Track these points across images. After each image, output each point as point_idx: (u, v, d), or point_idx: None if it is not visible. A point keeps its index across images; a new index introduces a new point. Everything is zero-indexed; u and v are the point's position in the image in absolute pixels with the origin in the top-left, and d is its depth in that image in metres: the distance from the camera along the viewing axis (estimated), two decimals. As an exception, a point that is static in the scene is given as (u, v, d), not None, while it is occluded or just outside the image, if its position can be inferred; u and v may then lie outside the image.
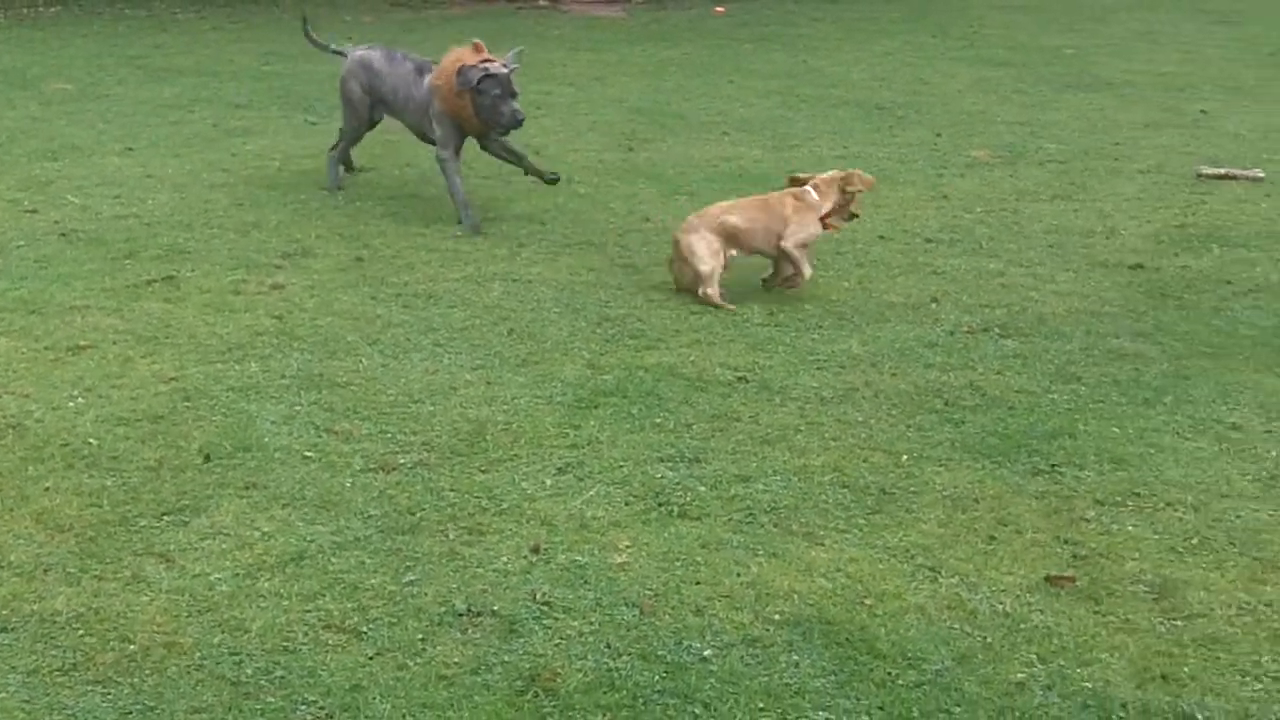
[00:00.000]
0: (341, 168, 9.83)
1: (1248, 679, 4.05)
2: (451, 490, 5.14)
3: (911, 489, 5.25)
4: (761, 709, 3.93)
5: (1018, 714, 3.90)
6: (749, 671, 4.03)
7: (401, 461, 5.39)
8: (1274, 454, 5.62)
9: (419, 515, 4.97)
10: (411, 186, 9.89)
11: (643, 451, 5.51)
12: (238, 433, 5.61)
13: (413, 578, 4.56)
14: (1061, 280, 8.12)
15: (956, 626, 4.28)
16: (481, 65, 8.48)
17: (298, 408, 5.88)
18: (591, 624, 4.26)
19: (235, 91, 13.22)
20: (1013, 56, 15.62)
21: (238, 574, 4.58)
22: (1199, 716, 3.86)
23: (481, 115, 8.59)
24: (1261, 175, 10.85)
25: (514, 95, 8.54)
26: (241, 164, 10.33)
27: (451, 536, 4.79)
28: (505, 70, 8.53)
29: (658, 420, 5.84)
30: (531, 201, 9.74)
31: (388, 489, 5.16)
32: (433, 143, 9.06)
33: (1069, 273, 8.29)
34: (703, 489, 5.19)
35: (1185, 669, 4.08)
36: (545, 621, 4.27)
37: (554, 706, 3.93)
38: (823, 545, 4.79)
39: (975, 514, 5.05)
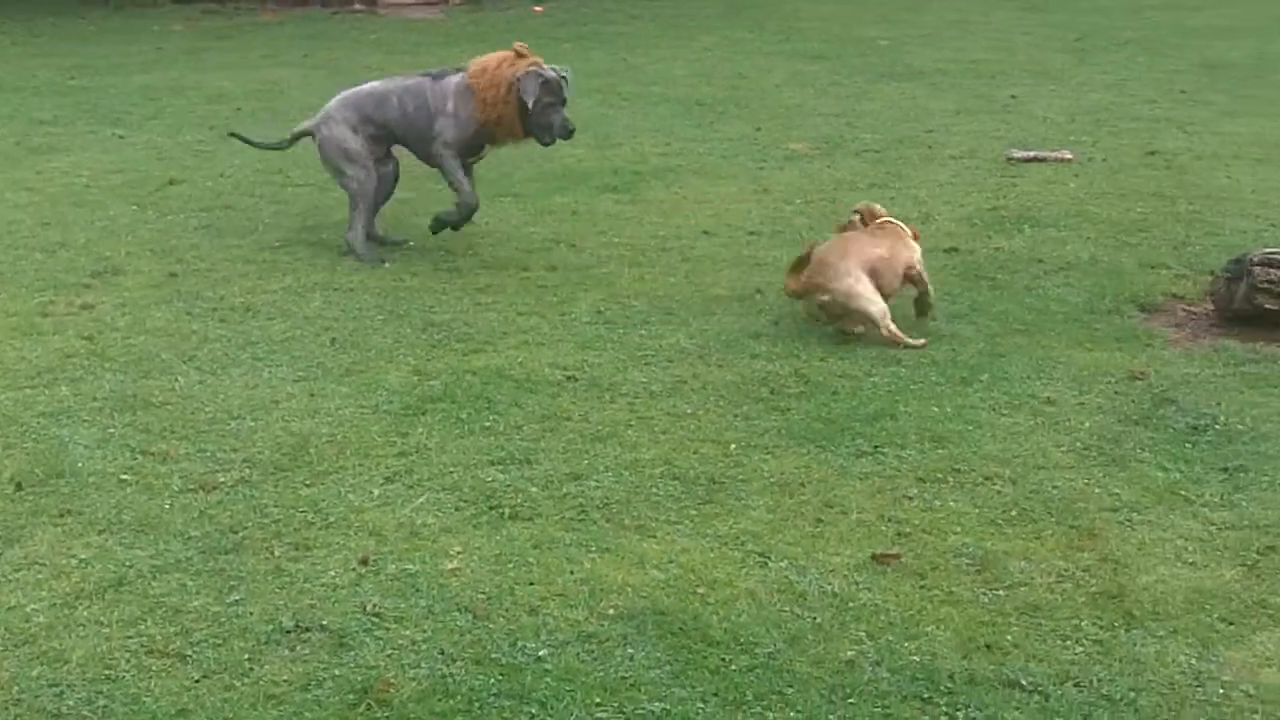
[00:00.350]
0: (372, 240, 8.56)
1: (1068, 643, 4.17)
2: (275, 506, 5.06)
3: (740, 477, 5.30)
4: (598, 704, 3.94)
5: (848, 691, 3.97)
6: (584, 668, 4.04)
7: (222, 480, 5.29)
8: (1086, 425, 5.79)
9: (242, 534, 4.88)
10: (226, 198, 9.73)
11: (472, 456, 5.49)
12: (50, 459, 5.46)
13: (237, 597, 4.48)
14: (880, 266, 8.25)
15: (787, 609, 4.34)
16: (534, 70, 7.93)
17: (112, 430, 5.73)
18: (424, 632, 4.23)
19: (39, 107, 12.88)
20: (828, 49, 15.87)
21: (55, 604, 4.46)
22: (1023, 682, 3.97)
23: (531, 123, 7.97)
24: (1069, 156, 11.17)
25: (564, 102, 8.03)
26: (47, 182, 10.07)
27: (277, 553, 4.72)
28: (556, 75, 8.01)
29: (487, 423, 5.82)
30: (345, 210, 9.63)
31: (209, 509, 5.06)
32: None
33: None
34: (534, 489, 5.19)
35: (1009, 637, 4.19)
36: (376, 633, 4.22)
37: (387, 718, 3.89)
38: (655, 538, 4.81)
39: (802, 498, 5.13)
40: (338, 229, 9.00)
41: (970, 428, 5.77)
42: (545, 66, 8.01)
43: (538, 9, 19.24)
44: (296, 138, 8.82)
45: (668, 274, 8.10)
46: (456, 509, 5.04)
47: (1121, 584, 4.49)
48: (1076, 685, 3.97)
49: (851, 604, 4.37)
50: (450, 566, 4.60)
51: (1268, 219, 9.42)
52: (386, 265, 8.22)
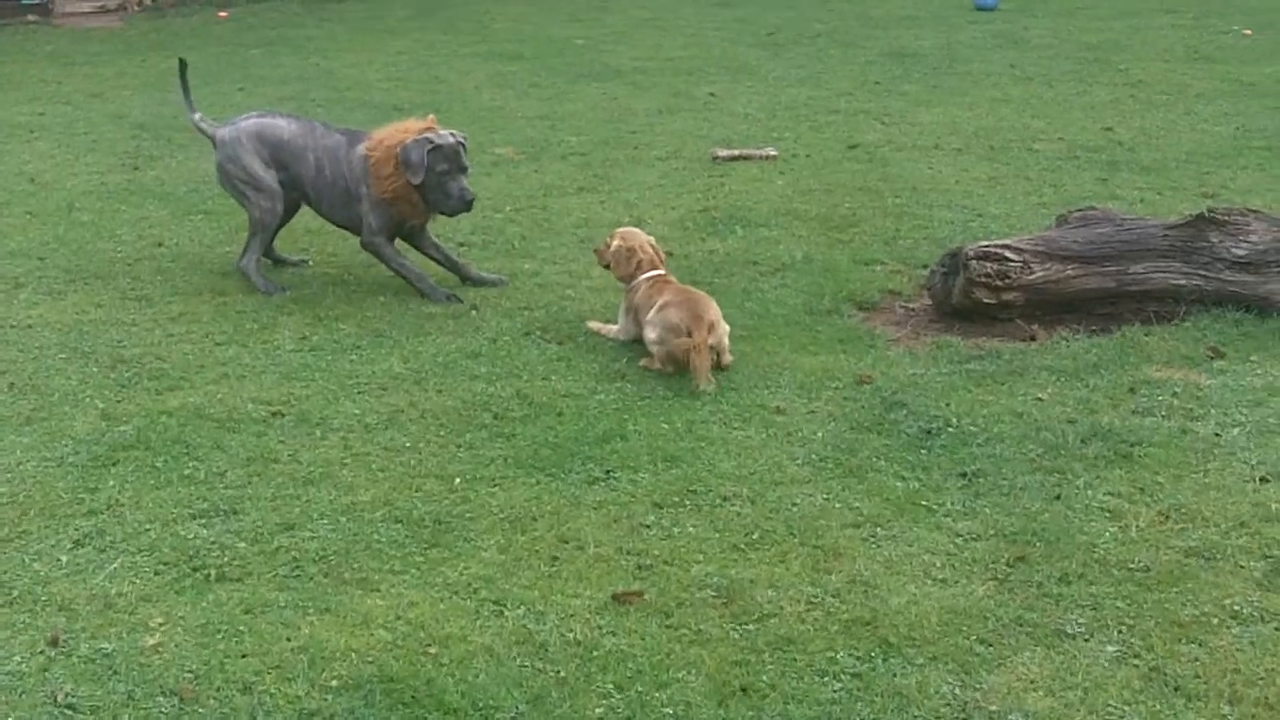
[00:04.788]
0: (266, 265, 8.01)
1: (825, 679, 3.96)
2: (-50, 583, 4.49)
3: (468, 515, 4.97)
4: (322, 795, 3.56)
5: (600, 753, 3.67)
6: None
7: (-114, 556, 4.69)
8: (819, 435, 5.65)
9: (-89, 618, 4.31)
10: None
11: (171, 509, 5.01)
12: None
13: (-94, 696, 3.93)
14: (595, 275, 8.00)
15: (527, 664, 4.03)
16: (423, 137, 7.25)
17: None
18: (125, 723, 3.76)
19: None
20: (524, 49, 15.60)
21: None
22: (782, 729, 3.74)
23: (426, 195, 7.33)
24: (774, 153, 11.15)
25: (464, 170, 7.34)
26: None
27: (-47, 640, 4.17)
28: (453, 140, 7.29)
29: (186, 471, 5.34)
30: (28, 234, 8.93)
31: None
32: (357, 231, 7.69)
33: (601, 266, 8.20)
34: (242, 545, 4.75)
35: (764, 677, 3.96)
36: (69, 728, 3.74)
37: (86, 828, 3.44)
38: (379, 591, 4.44)
39: (535, 534, 4.82)
40: (12, 259, 8.31)
41: (703, 444, 5.57)
42: (440, 132, 7.35)
43: (222, 14, 18.44)
44: (199, 129, 8.01)
45: (375, 292, 7.69)
46: (156, 573, 4.57)
47: (874, 608, 4.31)
48: (839, 728, 3.76)
49: (596, 652, 4.08)
50: (151, 642, 4.13)
51: (973, 209, 9.54)
52: (287, 293, 7.57)
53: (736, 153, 11.13)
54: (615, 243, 7.02)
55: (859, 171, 10.56)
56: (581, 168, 10.83)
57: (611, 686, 3.90)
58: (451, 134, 7.35)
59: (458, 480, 5.24)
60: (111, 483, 5.22)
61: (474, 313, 7.26)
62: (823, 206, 9.55)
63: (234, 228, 8.96)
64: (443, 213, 7.46)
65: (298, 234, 8.21)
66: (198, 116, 8.06)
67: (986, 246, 7.10)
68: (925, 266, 8.01)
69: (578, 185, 10.25)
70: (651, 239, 7.10)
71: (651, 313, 6.52)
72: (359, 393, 6.16)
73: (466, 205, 7.36)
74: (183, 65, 8.25)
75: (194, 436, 5.65)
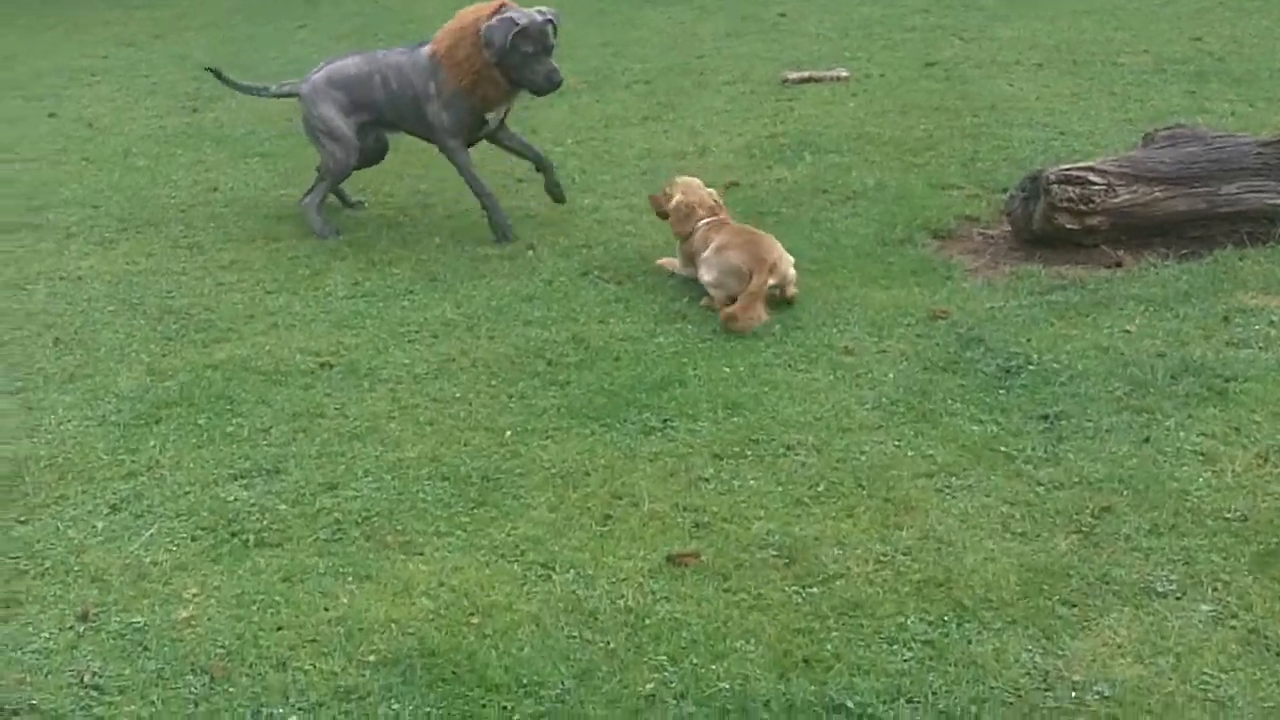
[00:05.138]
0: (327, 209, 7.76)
1: (895, 648, 3.68)
2: (-18, 553, 4.32)
3: (518, 470, 4.73)
4: (356, 781, 3.35)
5: (651, 731, 3.43)
6: None
7: (-81, 524, 4.53)
8: (890, 377, 5.35)
9: (-60, 591, 4.14)
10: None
11: (212, 470, 4.81)
12: None
13: (-69, 675, 3.76)
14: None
15: (575, 634, 3.78)
16: (507, 17, 6.88)
17: None
18: (152, 704, 3.56)
19: None
20: (590, -25, 15.22)
21: None
22: (849, 704, 3.45)
23: (510, 75, 6.96)
24: (845, 74, 10.77)
25: (548, 51, 6.96)
26: None
27: (-19, 614, 4.00)
28: (540, 20, 6.92)
29: (229, 428, 5.14)
30: (84, 181, 8.78)
31: (-99, 563, 4.31)
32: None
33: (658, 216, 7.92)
34: (283, 506, 4.54)
35: (828, 647, 3.68)
36: (95, 710, 3.55)
37: (107, 820, 3.26)
38: (422, 555, 4.21)
39: (588, 489, 4.57)
40: (66, 208, 8.16)
41: (766, 389, 5.28)
42: (519, 10, 7.00)
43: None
44: (282, 95, 7.90)
45: (431, 233, 7.46)
46: (193, 538, 4.37)
47: (947, 567, 4.02)
48: (910, 702, 3.47)
49: (648, 620, 3.82)
50: (184, 615, 3.94)
51: (1054, 127, 9.13)
52: (340, 237, 7.39)
53: (806, 75, 10.76)
54: (676, 197, 6.70)
55: (935, 91, 10.17)
56: (645, 96, 10.52)
57: (664, 658, 3.65)
58: (539, 12, 6.95)
59: (508, 433, 5.00)
60: (153, 442, 5.04)
61: (530, 253, 7.01)
62: (897, 129, 9.18)
63: (290, 170, 8.76)
64: (531, 91, 7.10)
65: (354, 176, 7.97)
66: (274, 87, 7.92)
67: (1068, 169, 6.73)
68: (1005, 191, 7.65)
69: (641, 114, 9.95)
70: (713, 191, 6.78)
71: (708, 252, 6.23)
72: (409, 341, 5.93)
73: (553, 86, 7.02)
74: (215, 73, 8.15)
75: (239, 391, 5.45)
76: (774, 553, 4.14)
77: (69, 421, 5.25)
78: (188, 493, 4.65)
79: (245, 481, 4.72)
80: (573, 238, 7.21)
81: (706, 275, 6.18)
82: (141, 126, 10.24)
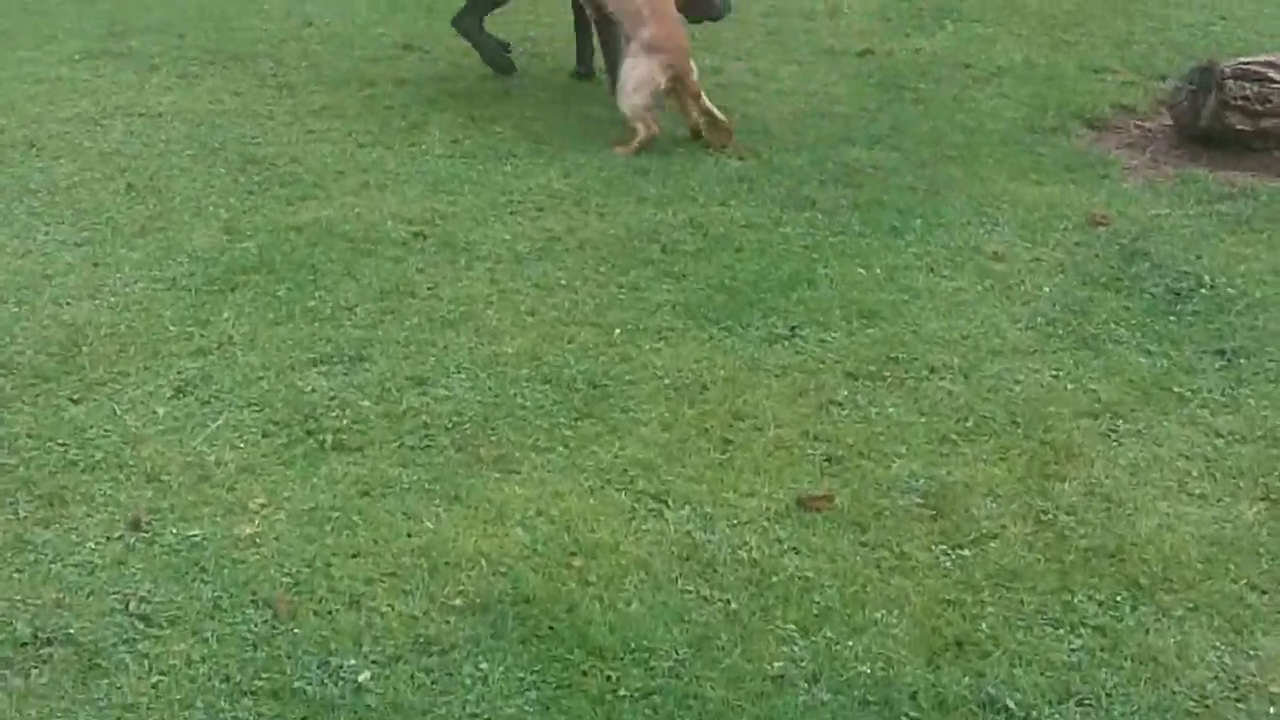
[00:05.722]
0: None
1: (1061, 633, 3.16)
2: (29, 436, 3.87)
3: (627, 377, 4.21)
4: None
5: (779, 724, 2.93)
6: (419, 703, 2.94)
7: (-38, 395, 4.10)
8: (1046, 290, 4.78)
9: (-20, 479, 3.71)
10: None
11: (290, 352, 4.34)
12: None
13: (-40, 584, 3.33)
14: (784, 76, 7.12)
15: (691, 590, 3.28)
16: None
17: None
18: (205, 643, 3.10)
19: None
20: None
21: None
22: (1009, 703, 2.94)
23: None
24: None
25: None
26: None
27: (22, 513, 3.55)
28: None
29: (311, 303, 4.66)
30: (171, 5, 8.26)
31: (-63, 442, 3.88)
32: None
33: (792, 65, 7.31)
34: (365, 403, 4.06)
35: (984, 627, 3.17)
36: (140, 646, 3.09)
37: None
38: (519, 475, 3.73)
39: (705, 407, 4.06)
40: (149, 35, 7.66)
41: (906, 297, 4.73)
42: None
43: None
44: None
45: (538, 88, 6.91)
46: (264, 434, 3.90)
47: (1118, 534, 3.48)
48: (1081, 704, 2.96)
49: (775, 578, 3.32)
50: (248, 531, 3.47)
51: (1215, 10, 8.40)
52: (513, 71, 6.99)
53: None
54: None
55: (1085, -41, 9.38)
56: (770, -56, 9.79)
57: (793, 628, 3.15)
58: None
59: (617, 331, 4.48)
60: (226, 314, 4.56)
61: (645, 118, 6.41)
62: (1044, 0, 8.47)
63: (391, 5, 8.19)
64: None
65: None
66: None
67: (1246, 64, 6.05)
68: (1163, 78, 6.98)
69: (762, -34, 9.23)
70: None
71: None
72: (511, 213, 5.40)
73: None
74: None
75: (323, 259, 4.96)
76: (918, 499, 3.61)
77: (136, 283, 4.79)
78: (261, 378, 4.18)
79: (325, 369, 4.24)
80: (691, 104, 6.60)
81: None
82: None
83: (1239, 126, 5.97)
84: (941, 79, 7.08)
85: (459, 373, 4.23)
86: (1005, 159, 5.99)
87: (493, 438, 3.88)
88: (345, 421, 3.95)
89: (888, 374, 4.24)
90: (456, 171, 5.81)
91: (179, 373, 4.21)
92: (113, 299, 4.68)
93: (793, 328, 4.51)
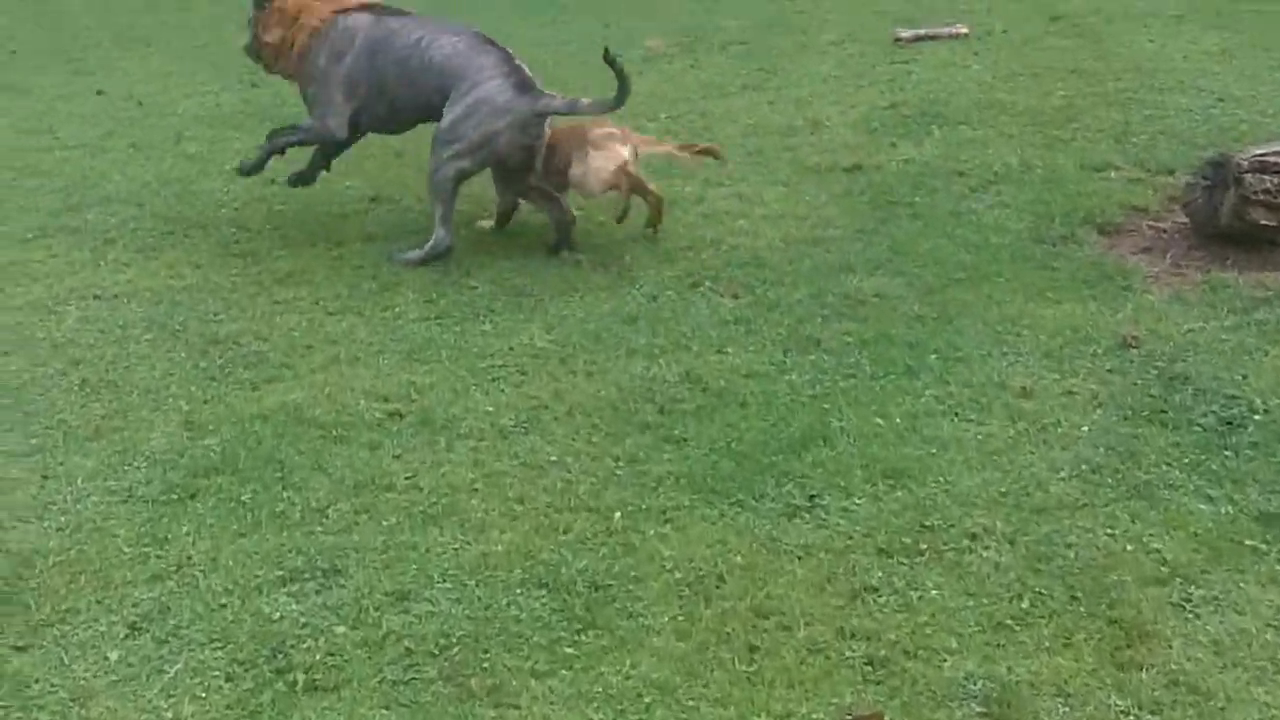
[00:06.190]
0: None
1: None
2: (-36, 699, 3.42)
3: (633, 572, 3.77)
4: None
5: None
6: None
7: (-108, 651, 3.65)
8: (1085, 430, 4.35)
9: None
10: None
11: (256, 570, 3.90)
12: None
13: None
14: (771, 199, 6.76)
15: None
16: None
17: None
18: None
19: None
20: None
21: None
22: None
23: None
24: (964, 30, 9.75)
25: None
26: None
27: (-48, 802, 3.10)
28: None
29: (279, 507, 4.22)
30: (128, 173, 7.90)
31: None
32: None
33: (778, 186, 6.95)
34: (341, 629, 3.61)
35: None
36: None
37: None
38: (517, 708, 3.27)
39: (724, 604, 3.61)
40: (108, 205, 7.28)
41: (932, 450, 4.30)
42: None
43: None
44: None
45: (513, 233, 6.51)
46: (229, 678, 3.45)
47: (1216, 742, 3.03)
48: None
49: (825, 828, 2.86)
50: (212, 813, 3.01)
51: (1210, 91, 8.07)
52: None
53: (921, 32, 9.75)
54: None
55: (1067, 49, 9.13)
56: (744, 59, 9.54)
57: None
58: None
59: (618, 515, 4.05)
60: (185, 528, 4.12)
61: (627, 259, 6.04)
62: (1031, 96, 8.15)
63: (356, 155, 7.81)
64: None
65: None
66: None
67: (1263, 155, 5.70)
68: (1170, 172, 6.64)
69: (740, 82, 8.98)
70: None
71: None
72: (493, 379, 4.99)
73: None
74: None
75: (292, 452, 4.53)
76: (979, 709, 3.17)
77: (89, 496, 4.36)
78: (224, 605, 3.73)
79: (295, 588, 3.79)
80: (675, 238, 6.25)
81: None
82: (195, 104, 9.35)
83: (1263, 222, 5.61)
84: (936, 190, 6.71)
85: (444, 581, 3.78)
86: (1017, 276, 5.61)
87: (485, 664, 3.43)
88: (319, 655, 3.50)
89: (924, 546, 3.81)
90: (432, 336, 5.41)
91: (134, 605, 3.77)
92: (63, 519, 4.24)
93: (811, 496, 4.08)
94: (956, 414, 4.52)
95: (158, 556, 3.98)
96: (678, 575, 3.73)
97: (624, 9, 10.91)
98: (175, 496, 4.32)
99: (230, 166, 7.52)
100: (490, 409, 4.76)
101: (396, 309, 5.71)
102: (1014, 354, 4.91)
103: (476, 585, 3.74)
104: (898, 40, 9.63)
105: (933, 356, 4.92)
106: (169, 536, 4.08)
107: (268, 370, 5.19)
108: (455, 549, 3.93)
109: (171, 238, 6.77)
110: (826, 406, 4.62)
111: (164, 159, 8.10)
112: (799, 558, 3.79)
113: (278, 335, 5.51)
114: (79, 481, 4.46)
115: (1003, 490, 4.04)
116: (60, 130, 8.85)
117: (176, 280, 6.20)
